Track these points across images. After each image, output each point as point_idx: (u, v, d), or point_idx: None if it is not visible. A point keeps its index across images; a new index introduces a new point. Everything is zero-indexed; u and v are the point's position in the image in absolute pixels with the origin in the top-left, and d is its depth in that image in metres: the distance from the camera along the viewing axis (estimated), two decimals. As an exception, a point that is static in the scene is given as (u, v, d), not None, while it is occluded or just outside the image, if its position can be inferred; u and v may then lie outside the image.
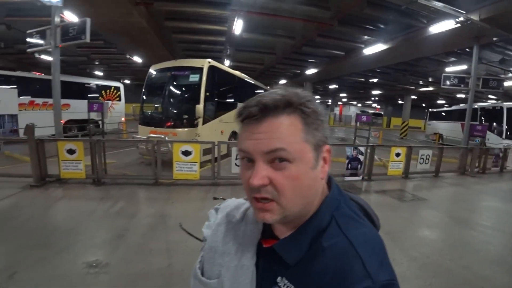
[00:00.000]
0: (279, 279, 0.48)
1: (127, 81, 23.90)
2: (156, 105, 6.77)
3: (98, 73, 18.96)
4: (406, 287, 2.28)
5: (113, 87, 13.60)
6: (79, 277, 2.25)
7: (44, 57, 12.92)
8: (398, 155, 6.33)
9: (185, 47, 11.71)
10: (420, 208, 4.50)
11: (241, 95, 8.60)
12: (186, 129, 6.02)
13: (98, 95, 12.62)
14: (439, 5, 5.27)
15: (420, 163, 6.62)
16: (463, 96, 17.81)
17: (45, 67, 15.97)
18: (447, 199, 5.25)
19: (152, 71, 6.98)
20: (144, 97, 6.93)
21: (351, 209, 0.50)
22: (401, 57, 9.96)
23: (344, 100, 36.83)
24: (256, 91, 10.46)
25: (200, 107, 5.83)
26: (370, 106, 41.31)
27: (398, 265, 2.59)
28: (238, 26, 8.14)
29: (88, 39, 4.44)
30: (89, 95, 12.00)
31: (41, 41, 4.88)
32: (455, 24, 5.76)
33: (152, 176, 4.95)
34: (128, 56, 12.89)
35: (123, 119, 13.84)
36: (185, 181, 4.99)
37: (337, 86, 22.37)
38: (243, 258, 0.53)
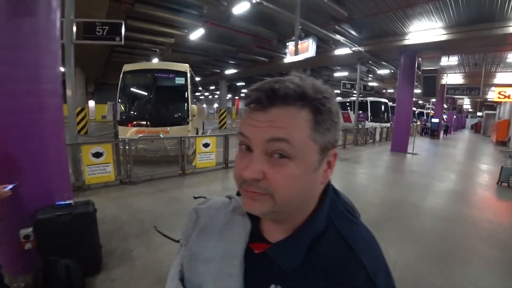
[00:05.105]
0: (272, 287, 0.42)
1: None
2: (142, 106, 6.91)
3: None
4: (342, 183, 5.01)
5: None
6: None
7: None
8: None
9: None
10: (348, 163, 7.86)
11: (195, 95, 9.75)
12: (179, 127, 6.62)
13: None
14: (344, 39, 8.62)
15: (336, 139, 10.36)
16: (338, 91, 24.77)
17: None
18: (356, 157, 8.95)
19: (129, 71, 6.87)
20: (122, 98, 6.87)
21: (346, 209, 0.48)
22: (310, 65, 13.68)
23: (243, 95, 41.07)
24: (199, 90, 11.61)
25: (194, 106, 6.83)
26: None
27: (340, 177, 5.30)
28: (197, 34, 9.13)
29: (123, 42, 4.57)
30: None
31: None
32: (350, 51, 9.38)
33: (177, 168, 5.75)
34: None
35: None
36: (202, 169, 6.08)
37: (244, 84, 25.35)
38: (230, 265, 0.46)
